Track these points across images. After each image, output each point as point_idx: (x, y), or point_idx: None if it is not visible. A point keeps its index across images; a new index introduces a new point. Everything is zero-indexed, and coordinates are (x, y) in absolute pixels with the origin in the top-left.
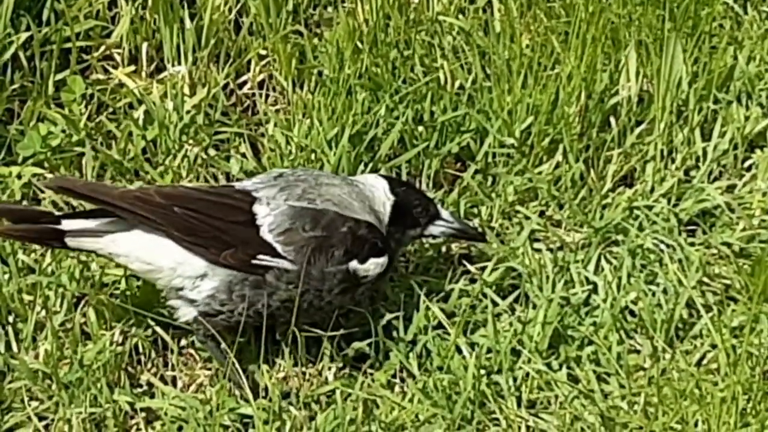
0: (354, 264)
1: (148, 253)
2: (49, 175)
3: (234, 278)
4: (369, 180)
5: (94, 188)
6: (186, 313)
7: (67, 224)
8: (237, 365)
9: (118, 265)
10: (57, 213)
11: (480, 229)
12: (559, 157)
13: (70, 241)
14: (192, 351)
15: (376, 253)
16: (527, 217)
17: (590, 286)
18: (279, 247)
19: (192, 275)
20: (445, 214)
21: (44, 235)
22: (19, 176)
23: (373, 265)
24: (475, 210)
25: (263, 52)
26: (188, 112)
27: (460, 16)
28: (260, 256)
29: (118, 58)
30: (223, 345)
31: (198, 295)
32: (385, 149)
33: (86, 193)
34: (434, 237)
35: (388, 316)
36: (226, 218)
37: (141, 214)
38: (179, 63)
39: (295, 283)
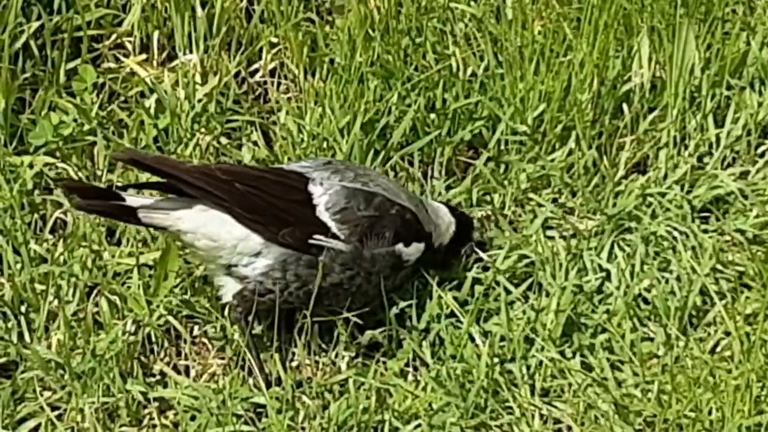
0: (400, 247)
1: (214, 230)
2: (62, 165)
3: (289, 257)
4: (432, 204)
5: (163, 162)
6: (231, 290)
7: (131, 201)
8: (251, 354)
9: (183, 242)
10: (120, 192)
11: (493, 219)
12: (571, 144)
13: (144, 218)
14: (205, 340)
15: (418, 238)
16: (540, 205)
17: (603, 274)
18: (334, 226)
19: (248, 252)
20: (476, 235)
21: (120, 211)
22: (31, 165)
23: (415, 250)
24: (488, 197)
25: (275, 40)
26: (200, 100)
27: (472, 3)
28: (316, 236)
29: (129, 46)
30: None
31: (252, 272)
32: (397, 137)
33: (155, 166)
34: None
35: (401, 305)
36: (284, 197)
37: (207, 189)
38: (191, 51)
39: (348, 265)
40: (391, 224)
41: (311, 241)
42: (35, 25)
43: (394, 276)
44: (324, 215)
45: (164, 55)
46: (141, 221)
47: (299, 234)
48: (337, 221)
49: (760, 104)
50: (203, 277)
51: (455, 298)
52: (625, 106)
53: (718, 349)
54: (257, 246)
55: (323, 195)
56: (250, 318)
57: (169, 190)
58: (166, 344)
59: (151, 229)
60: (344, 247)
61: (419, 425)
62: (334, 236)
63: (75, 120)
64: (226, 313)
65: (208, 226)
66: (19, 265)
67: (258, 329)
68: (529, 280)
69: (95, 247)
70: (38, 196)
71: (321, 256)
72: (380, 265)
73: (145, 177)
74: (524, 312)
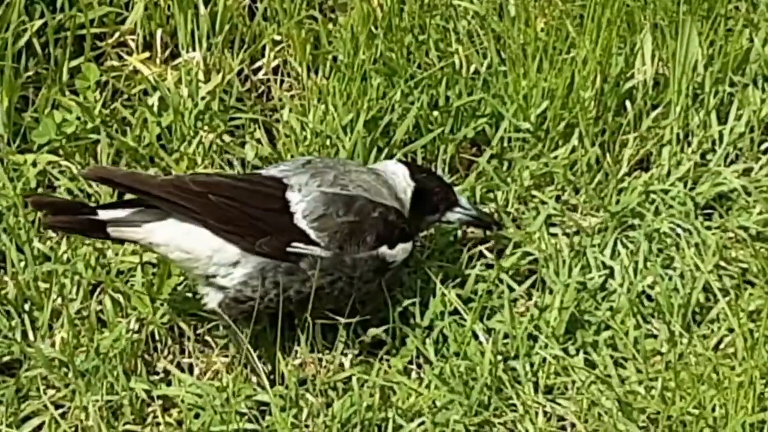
0: (384, 249)
1: (187, 241)
2: (65, 163)
3: (267, 265)
4: (389, 167)
5: (133, 178)
6: (213, 299)
7: (103, 215)
8: (253, 353)
9: (155, 254)
10: (91, 204)
11: (496, 217)
12: (574, 141)
13: (112, 232)
14: (208, 338)
15: (404, 238)
16: (543, 202)
17: (607, 271)
18: (313, 233)
19: (225, 263)
20: (463, 201)
21: (87, 227)
22: (34, 164)
23: (401, 251)
24: (491, 195)
25: (278, 38)
26: (203, 98)
27: (475, 0)
28: (294, 244)
29: (132, 44)
30: (239, 333)
31: (230, 282)
32: (400, 135)
33: (126, 183)
34: (450, 223)
35: (405, 303)
36: (260, 206)
37: (180, 203)
38: (194, 49)
39: (328, 270)
40: (372, 228)
41: (289, 249)
42: (38, 23)
43: (380, 278)
44: (302, 223)
45: (167, 52)
46: (110, 236)
47: (276, 243)
48: (316, 228)
49: (763, 101)
50: None
51: (458, 296)
52: (628, 103)
53: (722, 346)
54: (234, 255)
55: (300, 202)
56: (243, 324)
57: (140, 204)
58: (169, 342)
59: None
60: (324, 253)
61: (423, 423)
62: (314, 243)
63: (78, 118)
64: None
65: (181, 238)
66: (22, 264)
67: (260, 326)
68: (533, 278)
69: (99, 245)
70: (41, 194)
71: (301, 264)
72: (362, 269)
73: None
74: (528, 309)
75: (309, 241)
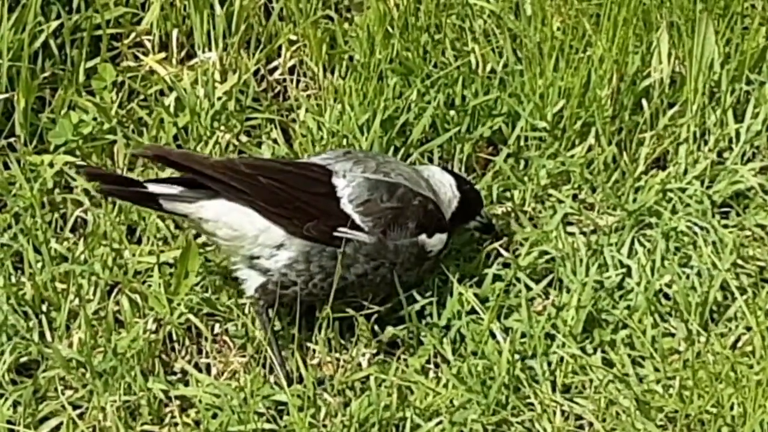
0: (423, 238)
1: (235, 219)
2: (81, 163)
3: (312, 248)
4: (437, 175)
5: (188, 157)
6: (254, 284)
7: (154, 188)
8: (274, 348)
9: (204, 232)
10: (141, 179)
11: (513, 216)
12: (591, 140)
13: (165, 204)
14: (226, 338)
15: (440, 229)
16: (560, 201)
17: (624, 270)
18: (358, 218)
19: (271, 244)
20: (483, 209)
21: (141, 197)
22: (51, 164)
23: (438, 241)
24: (508, 194)
25: (294, 38)
26: (219, 98)
27: None
28: (341, 228)
29: (148, 44)
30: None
31: (274, 265)
32: (416, 134)
33: (181, 162)
34: (467, 228)
35: (422, 302)
36: (308, 190)
37: (232, 184)
38: (210, 49)
39: (371, 255)
40: (414, 215)
41: (335, 234)
42: (54, 24)
43: (419, 267)
44: (348, 207)
45: (183, 53)
46: (162, 207)
47: (323, 227)
48: (361, 213)
49: None
50: (224, 275)
51: (476, 295)
52: (644, 102)
53: (740, 344)
54: (279, 237)
55: (346, 187)
56: (272, 312)
57: (189, 184)
58: (187, 342)
59: (171, 226)
60: (368, 238)
61: (440, 422)
62: (358, 228)
63: (95, 119)
64: (247, 309)
65: (230, 215)
66: (39, 264)
67: (278, 326)
68: (550, 277)
69: (116, 245)
70: (58, 195)
71: (346, 249)
72: (404, 256)
73: (167, 173)
74: (545, 308)
75: (354, 226)
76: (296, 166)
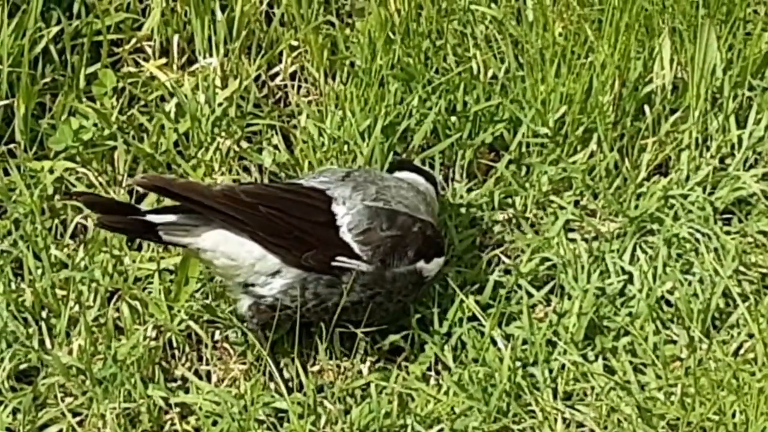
0: (421, 264)
1: (233, 249)
2: (82, 170)
3: (309, 276)
4: (420, 181)
5: (190, 188)
6: (246, 302)
7: (153, 218)
8: (270, 361)
9: (202, 261)
10: (140, 207)
11: (514, 222)
12: (593, 146)
13: (164, 235)
14: (226, 345)
15: (438, 253)
16: (562, 207)
17: (626, 276)
18: (356, 247)
19: (266, 272)
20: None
21: (139, 228)
22: (51, 170)
23: (436, 265)
24: (509, 200)
25: (295, 43)
26: (220, 104)
27: (493, 5)
28: (339, 258)
29: (149, 50)
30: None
31: (268, 291)
32: (418, 140)
33: (181, 193)
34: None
35: (423, 309)
36: (308, 218)
37: (231, 215)
38: (210, 55)
39: (368, 285)
40: (413, 242)
41: (334, 263)
42: (55, 29)
43: (416, 292)
44: (347, 236)
45: (184, 59)
46: (161, 239)
47: (322, 256)
48: (360, 242)
49: None
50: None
51: (477, 302)
52: (646, 108)
53: (742, 351)
54: (275, 265)
55: (346, 215)
56: (267, 330)
57: (188, 209)
58: (187, 349)
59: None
60: (366, 267)
61: (441, 429)
62: (357, 257)
63: (95, 125)
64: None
65: (227, 244)
66: (39, 271)
67: (279, 334)
68: (551, 283)
69: (116, 252)
70: (58, 201)
71: (343, 277)
72: (401, 283)
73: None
74: (546, 315)
75: (352, 255)
76: (296, 192)
